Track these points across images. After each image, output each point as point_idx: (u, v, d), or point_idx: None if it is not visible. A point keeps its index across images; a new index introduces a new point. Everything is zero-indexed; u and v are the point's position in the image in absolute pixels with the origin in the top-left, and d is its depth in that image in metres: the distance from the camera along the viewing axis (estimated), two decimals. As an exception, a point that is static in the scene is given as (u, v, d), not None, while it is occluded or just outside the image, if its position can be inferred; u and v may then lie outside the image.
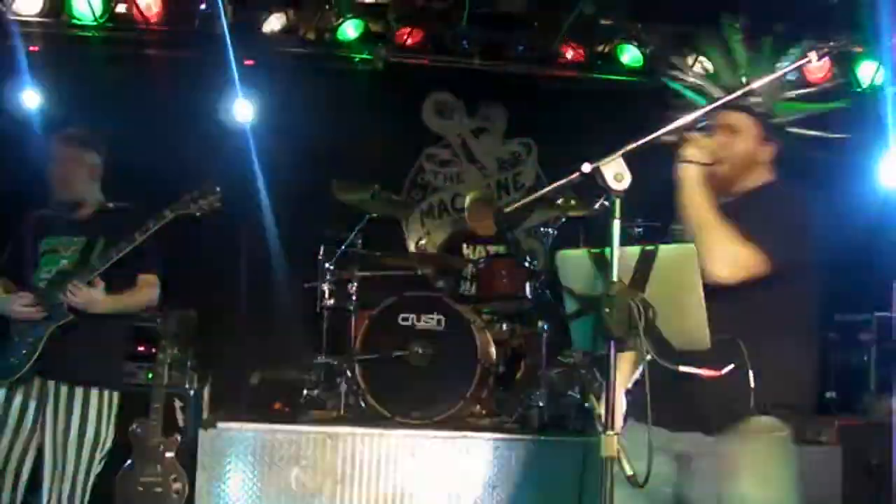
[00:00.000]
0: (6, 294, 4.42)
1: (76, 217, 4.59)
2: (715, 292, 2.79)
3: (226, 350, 7.18)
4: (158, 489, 5.70)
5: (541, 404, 6.37)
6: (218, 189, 4.49)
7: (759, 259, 2.96)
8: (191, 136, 7.75)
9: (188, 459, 5.85)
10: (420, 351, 6.25)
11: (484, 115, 8.98)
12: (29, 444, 4.32)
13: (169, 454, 5.80)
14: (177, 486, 5.79)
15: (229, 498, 5.69)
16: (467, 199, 7.70)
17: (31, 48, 7.71)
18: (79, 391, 4.33)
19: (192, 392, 6.37)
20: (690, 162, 3.07)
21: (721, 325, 2.77)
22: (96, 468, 4.41)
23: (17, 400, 4.32)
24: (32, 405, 4.33)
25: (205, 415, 6.21)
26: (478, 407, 6.66)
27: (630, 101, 8.41)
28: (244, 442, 5.74)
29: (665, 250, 2.72)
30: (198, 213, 4.45)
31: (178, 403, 6.28)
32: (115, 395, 4.48)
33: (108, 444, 4.45)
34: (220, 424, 5.80)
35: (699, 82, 3.41)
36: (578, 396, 6.54)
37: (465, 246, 7.58)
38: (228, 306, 7.57)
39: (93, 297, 4.31)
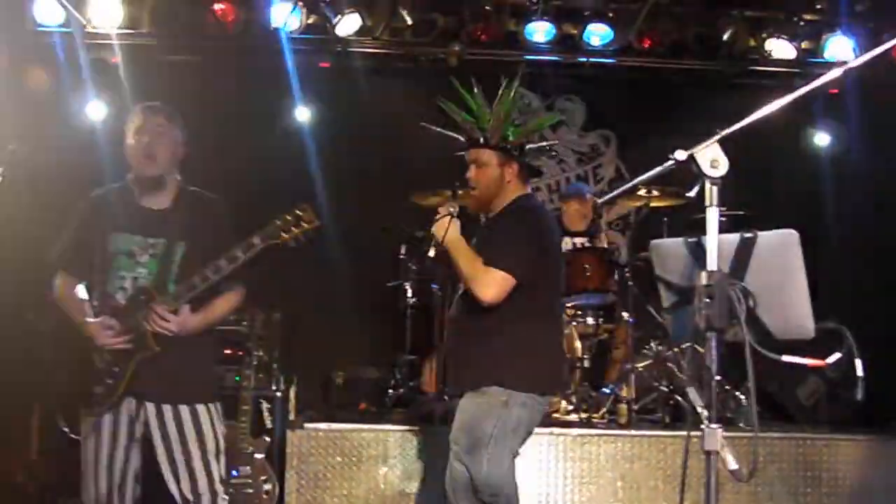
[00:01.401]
0: (92, 318, 4.01)
1: (152, 206, 4.13)
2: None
3: (310, 351, 7.21)
4: (249, 490, 5.76)
5: (629, 398, 6.29)
6: (311, 211, 3.98)
7: (505, 275, 4.10)
8: (266, 139, 7.81)
9: (277, 460, 5.90)
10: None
11: (561, 108, 8.89)
12: (126, 471, 4.04)
13: (258, 456, 5.85)
14: (267, 486, 5.84)
15: (318, 498, 5.71)
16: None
17: (113, 60, 7.83)
18: (184, 409, 4.02)
19: (278, 394, 6.41)
20: (445, 216, 4.16)
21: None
22: (221, 470, 4.11)
23: (107, 426, 4.00)
24: (125, 431, 4.02)
25: (292, 416, 6.24)
26: (565, 403, 6.59)
27: (708, 88, 8.29)
28: (332, 442, 5.77)
29: (765, 237, 2.65)
30: (292, 244, 3.96)
31: (265, 405, 6.32)
32: (218, 405, 4.18)
33: (222, 447, 4.13)
34: (308, 425, 5.84)
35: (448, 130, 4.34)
36: (666, 389, 6.45)
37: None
38: (312, 307, 7.60)
39: (184, 323, 3.97)
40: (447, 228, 4.18)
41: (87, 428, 4.04)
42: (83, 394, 4.03)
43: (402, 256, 7.14)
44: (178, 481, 4.00)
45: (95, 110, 7.85)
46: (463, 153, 4.39)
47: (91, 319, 4.00)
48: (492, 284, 4.14)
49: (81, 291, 4.07)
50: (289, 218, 3.91)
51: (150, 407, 4.01)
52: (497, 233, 4.29)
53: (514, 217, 4.30)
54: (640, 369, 6.67)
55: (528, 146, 4.38)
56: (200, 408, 4.06)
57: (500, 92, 4.26)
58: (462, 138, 4.31)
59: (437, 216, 4.24)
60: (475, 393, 4.20)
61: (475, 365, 4.22)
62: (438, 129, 4.41)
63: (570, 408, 6.66)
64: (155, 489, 4.13)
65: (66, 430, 4.17)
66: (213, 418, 4.09)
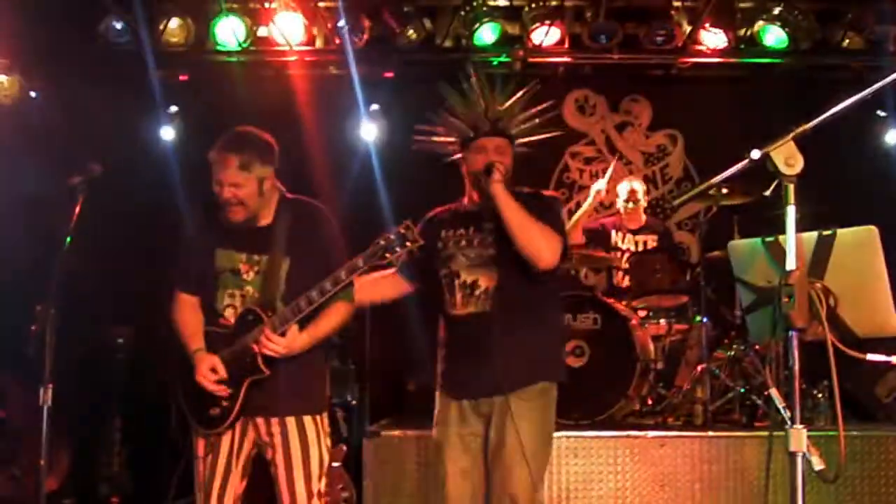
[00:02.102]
0: (198, 343, 4.05)
1: (255, 223, 4.09)
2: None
3: (383, 358, 7.25)
4: (327, 499, 5.79)
5: (704, 399, 6.24)
6: (415, 230, 3.85)
7: (561, 241, 4.11)
8: (334, 152, 7.88)
9: (354, 468, 5.95)
10: (578, 350, 6.20)
11: (626, 109, 8.85)
12: (240, 488, 4.09)
13: (335, 464, 5.90)
14: (344, 495, 5.90)
15: (396, 504, 5.75)
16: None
17: (182, 77, 7.98)
18: (290, 421, 4.02)
19: (353, 402, 6.47)
20: (500, 181, 4.00)
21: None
22: (323, 488, 4.12)
23: (224, 445, 4.04)
24: (237, 448, 4.05)
25: (367, 424, 6.29)
26: (639, 405, 6.57)
27: (776, 84, 8.19)
28: (407, 449, 5.79)
29: (844, 234, 2.62)
30: (396, 264, 3.97)
31: (340, 414, 6.38)
32: (325, 416, 4.16)
33: (325, 464, 4.13)
34: (384, 433, 5.87)
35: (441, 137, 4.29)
36: (743, 390, 6.39)
37: (614, 233, 7.46)
38: (382, 315, 7.64)
39: (291, 345, 3.92)
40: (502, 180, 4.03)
41: (202, 448, 4.09)
42: (199, 413, 4.08)
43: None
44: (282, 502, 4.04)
45: (168, 132, 8.01)
46: (464, 148, 4.24)
47: (201, 353, 4.03)
48: (556, 248, 4.06)
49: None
50: (392, 238, 3.81)
51: (261, 421, 4.06)
52: (531, 210, 4.11)
53: (539, 201, 4.21)
54: (714, 370, 6.62)
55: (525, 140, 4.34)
56: (307, 419, 4.06)
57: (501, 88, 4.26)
58: (470, 131, 4.20)
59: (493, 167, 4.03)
60: (526, 394, 4.06)
61: (526, 360, 4.08)
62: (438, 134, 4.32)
63: (646, 410, 6.63)
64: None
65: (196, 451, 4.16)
66: (319, 431, 4.09)
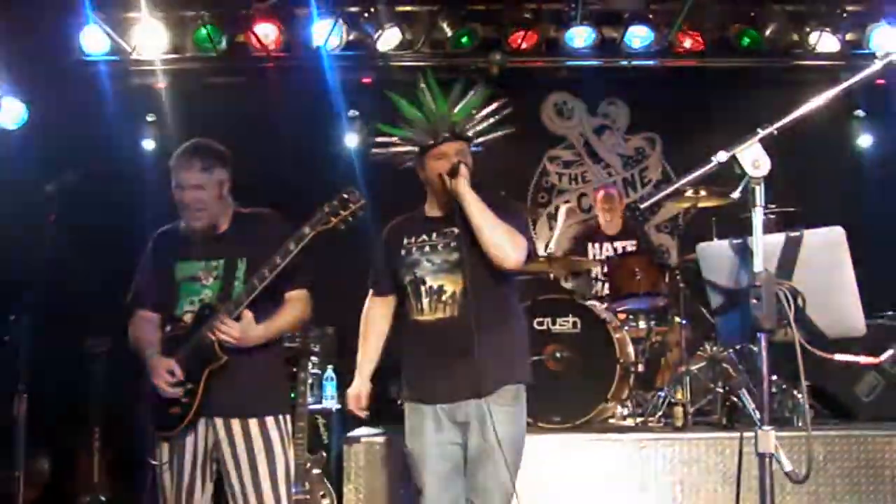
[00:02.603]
0: (152, 348, 4.08)
1: (211, 234, 4.17)
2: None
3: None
4: (306, 504, 5.80)
5: (684, 401, 6.25)
6: (358, 192, 3.94)
7: (526, 243, 4.10)
8: (313, 159, 7.88)
9: (335, 475, 5.93)
10: (558, 354, 6.20)
11: (604, 112, 8.88)
12: (206, 494, 4.09)
13: (316, 471, 5.89)
14: (325, 501, 5.89)
15: (377, 511, 5.73)
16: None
17: (158, 85, 7.96)
18: (253, 422, 4.02)
19: (334, 409, 6.46)
20: (467, 180, 4.00)
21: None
22: (289, 493, 4.08)
23: (188, 448, 4.03)
24: (201, 450, 4.04)
25: (347, 430, 6.27)
26: (619, 408, 6.57)
27: (752, 86, 8.22)
28: (388, 455, 5.78)
29: (811, 235, 2.63)
30: (342, 226, 3.93)
31: (321, 420, 6.37)
32: (287, 417, 4.18)
33: (291, 469, 4.13)
34: (364, 439, 5.86)
35: (399, 147, 4.21)
36: (722, 391, 6.40)
37: (590, 245, 7.50)
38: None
39: (247, 332, 3.95)
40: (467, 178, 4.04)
41: (164, 454, 4.07)
42: (160, 417, 4.07)
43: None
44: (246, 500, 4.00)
45: (150, 143, 8.01)
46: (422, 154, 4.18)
47: (155, 357, 4.05)
48: (521, 248, 4.04)
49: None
50: (335, 203, 3.90)
51: (220, 422, 4.03)
52: (496, 211, 4.12)
53: (502, 202, 4.21)
54: (694, 371, 6.63)
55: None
56: (269, 420, 4.06)
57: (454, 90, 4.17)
58: (428, 138, 4.13)
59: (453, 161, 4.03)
60: (500, 398, 4.04)
61: (498, 362, 4.05)
62: (392, 149, 4.26)
63: (626, 413, 6.64)
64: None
65: (151, 460, 4.13)
66: (282, 431, 4.09)
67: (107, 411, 6.77)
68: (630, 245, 7.41)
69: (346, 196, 3.92)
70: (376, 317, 4.37)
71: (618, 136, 8.87)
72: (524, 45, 7.92)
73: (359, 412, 4.34)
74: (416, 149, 4.17)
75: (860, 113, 8.47)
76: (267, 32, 7.68)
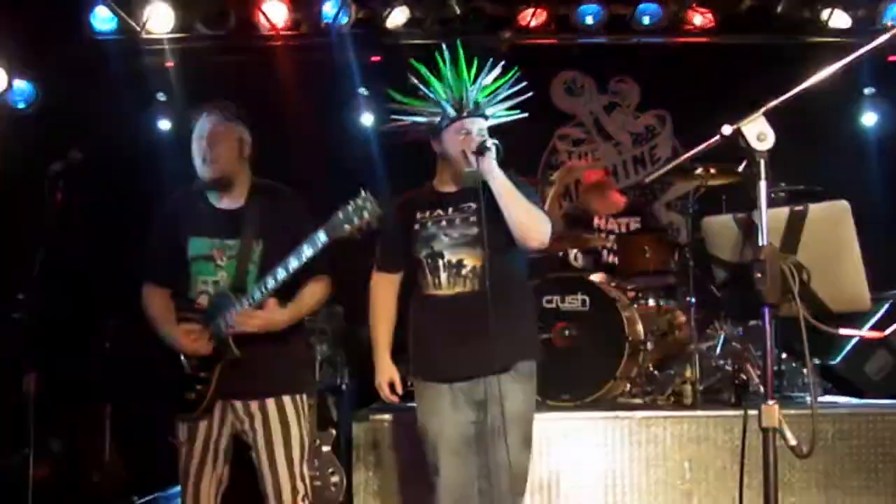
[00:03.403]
0: (171, 324, 4.08)
1: (226, 206, 4.12)
2: None
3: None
4: (317, 483, 5.82)
5: (693, 379, 6.24)
6: (373, 200, 3.79)
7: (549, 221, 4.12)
8: (321, 138, 7.87)
9: (344, 452, 5.95)
10: (567, 332, 6.20)
11: (614, 89, 8.84)
12: (221, 473, 4.11)
13: (325, 448, 5.92)
14: (334, 479, 5.91)
15: (386, 488, 5.74)
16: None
17: (167, 64, 7.95)
18: (270, 402, 4.03)
19: (343, 386, 6.47)
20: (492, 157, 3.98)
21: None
22: (303, 473, 4.09)
23: (201, 430, 4.05)
24: (215, 432, 4.06)
25: (357, 408, 6.29)
26: (628, 386, 6.56)
27: (764, 62, 8.16)
28: (398, 432, 5.79)
29: (816, 209, 2.62)
30: (358, 236, 3.81)
31: (330, 398, 6.39)
32: (305, 397, 4.17)
33: (306, 448, 4.13)
34: (373, 416, 5.87)
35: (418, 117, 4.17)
36: (731, 369, 6.39)
37: (595, 218, 7.45)
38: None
39: (272, 318, 3.95)
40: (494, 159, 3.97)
41: (183, 433, 4.09)
42: (176, 398, 4.09)
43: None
44: (264, 486, 4.04)
45: (165, 123, 8.03)
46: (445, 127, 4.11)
47: (175, 332, 4.05)
48: (547, 229, 4.05)
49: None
50: (350, 209, 3.78)
51: (238, 405, 4.05)
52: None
53: (521, 182, 4.14)
54: (703, 349, 6.61)
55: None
56: (286, 399, 4.06)
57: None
58: (449, 112, 4.07)
59: (478, 140, 3.98)
60: (517, 374, 4.05)
61: (516, 338, 4.05)
62: (409, 119, 4.20)
63: (635, 390, 6.63)
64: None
65: (171, 438, 4.17)
66: (299, 411, 4.09)
67: (119, 389, 6.80)
68: (634, 222, 7.37)
69: (360, 202, 3.79)
70: (387, 296, 4.30)
71: (628, 113, 8.83)
72: (533, 23, 7.89)
73: (394, 398, 4.26)
74: (436, 120, 4.10)
75: (869, 90, 8.39)
76: (276, 10, 7.67)
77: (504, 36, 7.97)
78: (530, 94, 4.18)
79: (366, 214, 3.77)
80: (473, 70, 4.10)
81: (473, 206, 4.05)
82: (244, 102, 4.28)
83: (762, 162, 2.45)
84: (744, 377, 6.23)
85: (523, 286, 4.28)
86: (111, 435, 6.73)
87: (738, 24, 7.90)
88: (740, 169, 2.56)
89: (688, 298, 6.56)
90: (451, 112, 4.08)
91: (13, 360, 4.64)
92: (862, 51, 2.48)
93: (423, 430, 4.14)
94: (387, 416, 5.87)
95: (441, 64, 4.09)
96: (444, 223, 4.11)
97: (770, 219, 2.50)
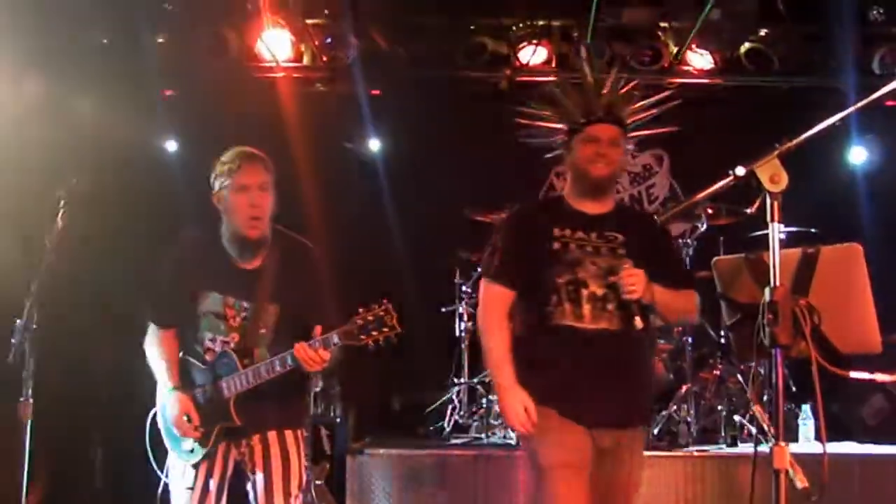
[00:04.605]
0: (172, 377, 3.97)
1: (245, 264, 3.97)
2: None
3: (368, 377, 7.22)
4: (307, 516, 5.77)
5: (689, 419, 6.22)
6: (395, 314, 3.61)
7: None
8: (324, 167, 7.87)
9: (337, 486, 5.91)
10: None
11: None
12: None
13: (318, 482, 5.87)
14: (328, 512, 5.86)
15: (380, 523, 5.71)
16: None
17: (167, 92, 7.95)
18: (272, 434, 3.95)
19: (338, 420, 6.44)
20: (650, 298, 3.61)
21: None
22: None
23: (202, 470, 3.96)
24: (218, 473, 3.98)
25: (350, 441, 6.25)
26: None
27: (761, 105, 8.21)
28: (391, 466, 5.77)
29: (828, 251, 2.62)
30: (371, 348, 3.64)
31: (324, 432, 6.35)
32: (303, 431, 4.11)
33: (304, 481, 4.09)
34: (367, 450, 5.85)
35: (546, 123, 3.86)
36: (727, 409, 6.37)
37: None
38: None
39: (322, 357, 3.73)
40: (645, 285, 3.56)
41: (188, 479, 4.00)
42: (175, 446, 4.03)
43: (456, 281, 7.15)
44: None
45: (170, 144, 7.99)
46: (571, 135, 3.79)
47: (177, 393, 3.96)
48: (696, 308, 3.83)
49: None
50: (370, 319, 3.61)
51: (242, 441, 4.00)
52: (664, 241, 3.92)
53: (658, 225, 3.88)
54: (699, 390, 6.60)
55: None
56: (288, 434, 4.01)
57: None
58: (580, 116, 3.72)
59: (625, 275, 3.56)
60: (641, 434, 3.76)
61: (645, 396, 3.76)
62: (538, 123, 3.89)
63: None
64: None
65: (164, 478, 4.08)
66: (299, 445, 4.04)
67: (111, 419, 6.75)
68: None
69: (381, 314, 3.62)
70: (504, 313, 3.79)
71: (626, 152, 8.85)
72: (533, 61, 7.92)
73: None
74: (563, 127, 3.79)
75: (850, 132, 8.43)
76: (277, 42, 7.70)
77: (504, 73, 8.01)
78: (675, 102, 3.94)
79: (385, 329, 3.60)
80: (616, 75, 3.82)
81: (620, 237, 3.71)
82: (244, 134, 4.24)
83: (776, 203, 2.45)
84: (739, 417, 6.22)
85: (653, 337, 4.01)
86: (102, 465, 6.68)
87: (738, 65, 7.93)
88: (752, 210, 2.55)
89: (684, 338, 6.56)
90: (579, 117, 3.75)
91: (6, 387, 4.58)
92: (877, 94, 2.47)
93: (550, 465, 3.61)
94: (380, 450, 5.85)
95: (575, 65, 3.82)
96: (589, 248, 3.70)
97: (782, 260, 2.50)
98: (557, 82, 3.84)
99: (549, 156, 4.01)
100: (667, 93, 3.86)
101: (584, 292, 3.63)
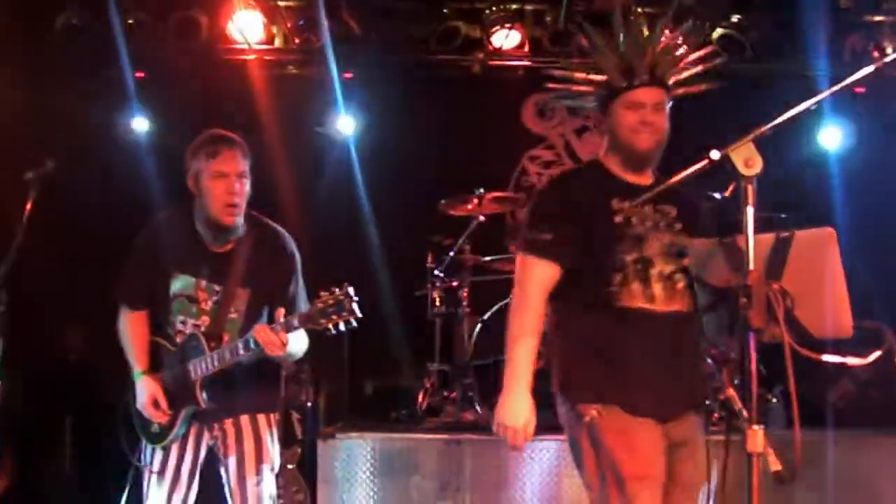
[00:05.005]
0: (141, 360, 3.99)
1: (217, 247, 3.97)
2: None
3: (340, 360, 7.21)
4: (281, 501, 5.75)
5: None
6: (353, 300, 3.57)
7: None
8: (297, 150, 7.83)
9: (308, 470, 5.90)
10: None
11: (586, 113, 8.86)
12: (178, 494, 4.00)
13: (290, 466, 5.85)
14: (298, 497, 5.85)
15: (350, 507, 5.70)
16: None
17: (138, 74, 7.87)
18: (245, 418, 3.96)
19: (309, 404, 6.42)
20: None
21: None
22: (275, 489, 4.06)
23: (173, 454, 3.98)
24: (189, 457, 3.99)
25: (322, 426, 6.24)
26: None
27: (734, 90, 8.23)
28: (363, 451, 5.75)
29: (801, 236, 2.64)
30: (332, 330, 3.61)
31: (295, 416, 6.33)
32: (277, 415, 4.11)
33: (276, 465, 4.09)
34: (339, 435, 5.83)
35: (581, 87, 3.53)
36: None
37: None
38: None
39: (282, 340, 3.71)
40: None
41: (156, 462, 4.01)
42: (144, 429, 4.04)
43: (429, 265, 7.14)
44: (232, 501, 3.99)
45: (140, 124, 7.89)
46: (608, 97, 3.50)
47: (146, 378, 3.97)
48: None
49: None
50: (331, 303, 3.56)
51: (213, 423, 4.00)
52: (708, 214, 3.55)
53: (698, 197, 3.59)
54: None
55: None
56: (261, 417, 4.01)
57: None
58: (620, 79, 3.41)
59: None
60: (701, 420, 3.43)
61: (705, 381, 3.52)
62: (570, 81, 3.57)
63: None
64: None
65: (136, 462, 4.10)
66: (272, 427, 4.04)
67: (81, 404, 6.71)
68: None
69: (342, 299, 3.58)
70: (545, 298, 3.41)
71: (599, 136, 8.84)
72: (506, 45, 7.91)
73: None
74: (602, 92, 3.47)
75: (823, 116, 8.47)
76: (249, 24, 7.63)
77: (477, 57, 7.99)
78: (720, 60, 3.63)
79: (345, 314, 3.57)
80: (659, 30, 3.48)
81: (673, 211, 3.42)
82: (217, 116, 4.21)
83: (750, 187, 2.45)
84: (710, 403, 6.23)
85: None
86: (72, 450, 6.64)
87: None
88: (727, 194, 2.56)
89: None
90: (620, 80, 3.42)
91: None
92: (850, 80, 2.48)
93: (633, 476, 3.21)
94: (352, 435, 5.84)
95: (612, 22, 3.46)
96: (650, 224, 3.38)
97: (756, 244, 2.51)
98: (592, 40, 3.44)
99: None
100: (710, 48, 3.53)
101: (653, 271, 3.29)
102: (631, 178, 3.47)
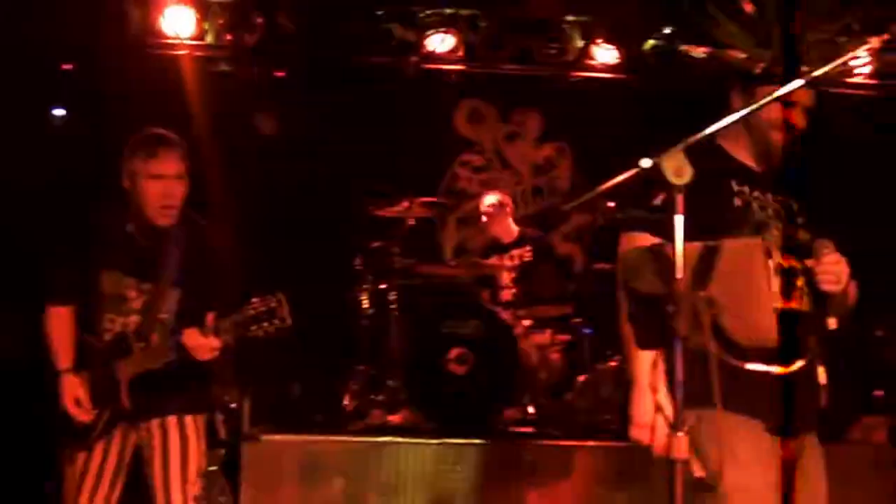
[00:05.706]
0: (65, 360, 3.88)
1: (147, 244, 3.89)
2: None
3: (265, 362, 7.13)
4: (203, 503, 5.67)
5: (586, 409, 6.30)
6: (285, 308, 3.57)
7: None
8: (226, 148, 7.74)
9: (232, 472, 5.83)
10: (461, 358, 6.19)
11: (518, 120, 8.92)
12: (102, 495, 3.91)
13: (212, 468, 5.77)
14: (222, 499, 5.76)
15: (274, 510, 5.65)
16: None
17: (64, 66, 7.73)
18: (171, 420, 3.87)
19: (233, 405, 6.34)
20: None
21: None
22: (199, 491, 3.99)
23: (96, 455, 3.88)
24: (114, 458, 3.91)
25: (246, 427, 6.17)
26: (521, 414, 6.59)
27: (665, 100, 8.33)
28: (287, 454, 5.71)
29: (729, 245, 2.66)
30: (261, 335, 3.61)
31: (220, 417, 6.25)
32: (203, 417, 4.02)
33: (202, 467, 4.02)
34: (263, 437, 5.78)
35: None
36: (623, 399, 6.45)
37: (495, 256, 7.47)
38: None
39: (211, 345, 3.67)
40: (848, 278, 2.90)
41: (72, 456, 3.92)
42: (66, 429, 3.92)
43: (357, 267, 7.11)
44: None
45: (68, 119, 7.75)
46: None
47: (69, 376, 3.87)
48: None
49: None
50: (263, 310, 3.55)
51: (142, 427, 3.92)
52: None
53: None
54: (597, 380, 6.69)
55: None
56: (188, 419, 3.94)
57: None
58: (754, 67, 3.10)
59: (829, 262, 2.86)
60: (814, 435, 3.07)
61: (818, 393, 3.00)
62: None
63: (527, 419, 6.67)
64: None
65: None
66: (198, 429, 3.97)
67: (10, 403, 6.55)
68: (526, 253, 7.35)
69: (273, 306, 3.57)
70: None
71: (529, 143, 8.91)
72: (440, 49, 7.92)
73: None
74: (753, 68, 3.13)
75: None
76: (180, 18, 7.54)
77: (411, 60, 7.98)
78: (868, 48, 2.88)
79: (276, 321, 3.56)
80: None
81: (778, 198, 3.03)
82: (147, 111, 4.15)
83: (679, 196, 2.47)
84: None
85: None
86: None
87: (643, 62, 8.04)
88: (656, 202, 2.58)
89: (584, 329, 6.63)
90: (754, 68, 3.10)
91: None
92: (783, 90, 2.51)
93: (746, 487, 2.83)
94: (276, 437, 5.78)
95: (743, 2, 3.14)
96: (770, 211, 2.98)
97: (684, 252, 2.52)
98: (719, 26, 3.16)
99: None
100: (866, 45, 2.88)
101: (771, 262, 2.86)
102: (751, 163, 3.12)
